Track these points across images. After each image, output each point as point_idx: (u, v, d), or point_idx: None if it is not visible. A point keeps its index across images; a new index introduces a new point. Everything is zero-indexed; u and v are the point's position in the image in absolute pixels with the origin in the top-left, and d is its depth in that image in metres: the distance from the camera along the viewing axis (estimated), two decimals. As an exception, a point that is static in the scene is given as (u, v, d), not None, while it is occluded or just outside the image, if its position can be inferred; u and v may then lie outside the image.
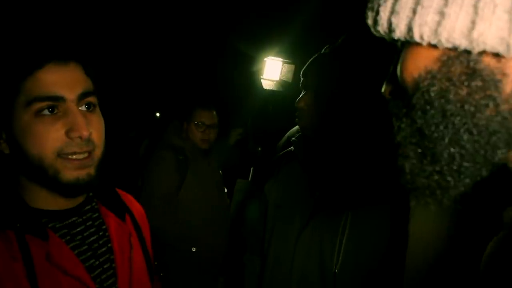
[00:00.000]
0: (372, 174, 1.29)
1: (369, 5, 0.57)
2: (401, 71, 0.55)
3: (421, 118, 0.52)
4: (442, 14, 0.47)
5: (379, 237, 1.24)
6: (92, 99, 0.89)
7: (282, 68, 4.38)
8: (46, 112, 0.81)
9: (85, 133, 0.82)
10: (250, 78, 4.94)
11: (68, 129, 0.82)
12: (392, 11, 0.52)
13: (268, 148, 4.19)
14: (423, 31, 0.49)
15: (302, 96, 1.36)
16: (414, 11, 0.49)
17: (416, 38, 0.50)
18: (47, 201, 0.88)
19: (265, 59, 4.38)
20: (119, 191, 1.12)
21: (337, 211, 1.29)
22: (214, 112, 2.64)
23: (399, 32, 0.52)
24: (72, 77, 0.85)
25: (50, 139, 0.81)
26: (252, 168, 4.12)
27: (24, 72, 0.80)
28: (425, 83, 0.51)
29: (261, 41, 4.80)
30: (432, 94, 0.51)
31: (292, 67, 4.43)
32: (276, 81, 4.43)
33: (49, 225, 0.87)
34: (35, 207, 0.87)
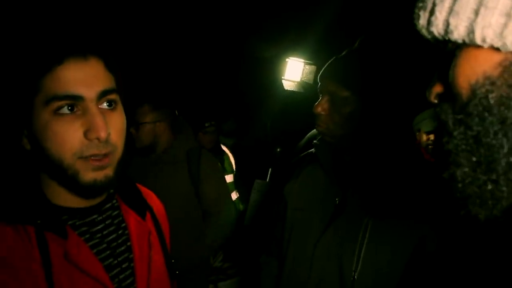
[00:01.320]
0: (394, 182, 1.27)
1: (421, 4, 0.55)
2: (455, 76, 0.52)
3: (478, 125, 0.49)
4: (508, 16, 0.44)
5: (399, 247, 1.22)
6: (113, 96, 0.86)
7: (303, 69, 4.36)
8: (65, 110, 0.79)
9: (103, 135, 0.80)
10: (271, 79, 4.93)
11: (86, 130, 0.80)
12: (451, 11, 0.49)
13: (287, 149, 4.18)
14: (486, 34, 0.46)
15: (319, 102, 1.35)
16: (476, 12, 0.47)
17: (478, 40, 0.47)
18: (67, 198, 0.87)
19: (287, 59, 4.36)
20: (141, 187, 1.11)
21: (358, 218, 1.27)
22: (145, 108, 2.31)
23: (457, 34, 0.49)
24: (92, 74, 0.82)
25: (69, 139, 0.79)
26: (270, 169, 4.11)
27: (43, 68, 0.78)
28: (483, 89, 0.49)
29: (283, 41, 4.79)
30: (492, 101, 0.48)
31: (314, 68, 4.40)
32: (297, 82, 4.41)
33: (69, 223, 0.86)
34: (56, 203, 0.86)
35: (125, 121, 0.90)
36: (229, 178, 3.59)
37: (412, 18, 0.56)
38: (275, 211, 1.60)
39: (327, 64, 1.38)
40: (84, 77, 0.80)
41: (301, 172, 1.51)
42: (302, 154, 1.61)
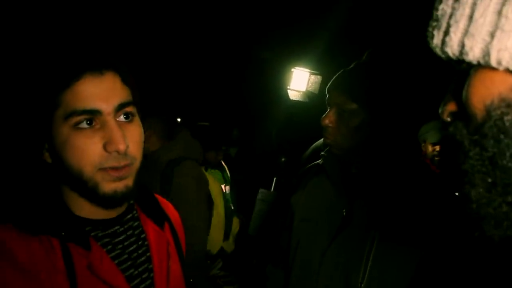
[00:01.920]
0: (401, 195, 1.27)
1: (434, 24, 0.54)
2: (470, 96, 0.52)
3: (494, 147, 0.49)
4: None
5: (406, 260, 1.22)
6: (130, 109, 0.88)
7: (309, 79, 4.38)
8: (84, 125, 0.81)
9: (121, 147, 0.81)
10: (277, 88, 4.95)
11: (106, 143, 0.82)
12: (466, 33, 0.49)
13: (292, 158, 4.18)
14: (501, 57, 0.46)
15: (327, 114, 1.36)
16: (492, 35, 0.46)
17: (493, 63, 0.47)
18: (89, 210, 0.89)
19: (292, 69, 4.38)
20: (159, 197, 1.12)
21: (365, 230, 1.28)
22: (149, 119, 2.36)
23: (473, 56, 0.49)
24: (109, 88, 0.84)
25: (88, 153, 0.81)
26: (275, 178, 4.11)
27: (62, 84, 0.80)
28: (499, 111, 0.48)
29: (289, 51, 4.81)
30: (507, 124, 0.47)
31: (319, 78, 4.42)
32: (303, 91, 4.42)
33: (92, 234, 0.88)
34: (78, 215, 0.88)
35: (142, 132, 0.92)
36: (227, 189, 3.66)
37: (425, 36, 0.56)
38: (281, 221, 1.61)
39: (335, 76, 1.39)
40: (101, 92, 0.82)
41: (308, 183, 1.52)
42: (309, 165, 1.61)
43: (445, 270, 1.15)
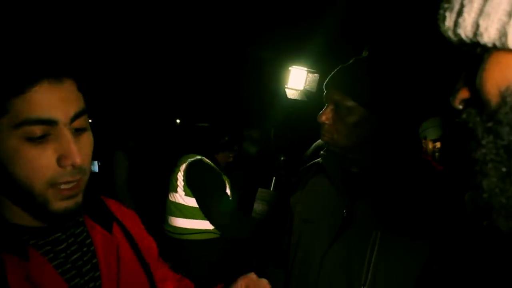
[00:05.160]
0: (403, 194, 1.24)
1: (446, 5, 0.51)
2: (484, 81, 0.49)
3: (510, 135, 0.46)
4: None
5: (409, 260, 1.19)
6: (84, 118, 0.82)
7: (306, 77, 4.34)
8: (37, 136, 0.74)
9: (78, 161, 0.76)
10: (275, 87, 4.92)
11: (60, 156, 0.76)
12: (481, 13, 0.46)
13: (291, 157, 4.16)
14: None
15: (323, 110, 1.33)
16: (509, 14, 0.43)
17: (510, 45, 0.44)
18: (29, 218, 0.82)
19: (290, 68, 4.35)
20: (105, 199, 1.06)
21: (366, 230, 1.25)
22: None
23: (488, 37, 0.46)
24: (66, 97, 0.77)
25: (41, 167, 0.74)
26: (274, 178, 4.09)
27: (14, 90, 0.71)
28: None
29: (286, 50, 4.79)
30: None
31: (317, 76, 4.39)
32: (300, 90, 4.39)
33: (31, 242, 0.81)
34: (16, 223, 0.81)
35: (93, 143, 0.86)
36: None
37: (436, 19, 0.53)
38: (281, 222, 1.58)
39: (332, 72, 1.36)
40: (58, 100, 0.75)
41: (307, 182, 1.49)
42: (309, 164, 1.58)
43: (449, 270, 1.12)
